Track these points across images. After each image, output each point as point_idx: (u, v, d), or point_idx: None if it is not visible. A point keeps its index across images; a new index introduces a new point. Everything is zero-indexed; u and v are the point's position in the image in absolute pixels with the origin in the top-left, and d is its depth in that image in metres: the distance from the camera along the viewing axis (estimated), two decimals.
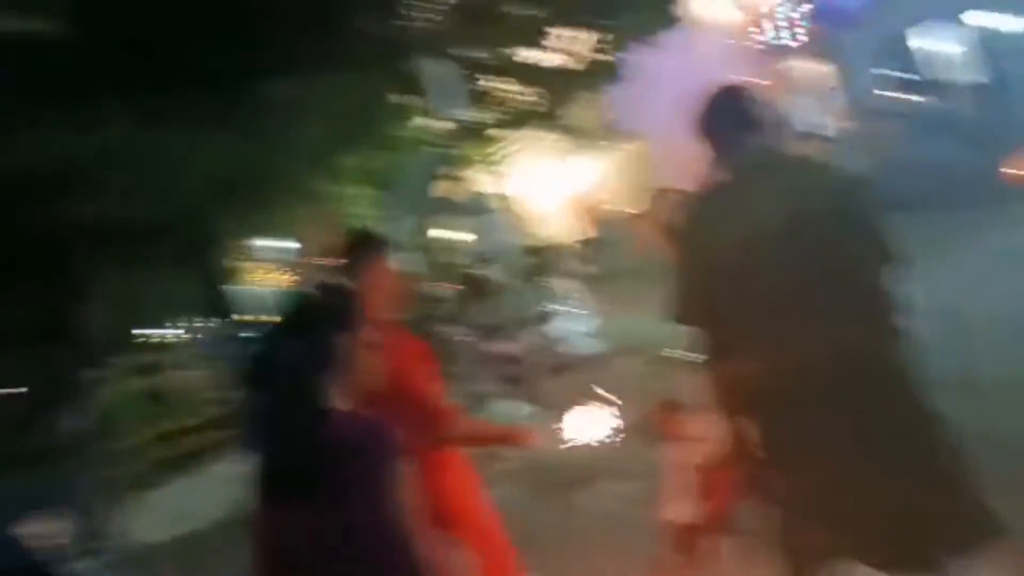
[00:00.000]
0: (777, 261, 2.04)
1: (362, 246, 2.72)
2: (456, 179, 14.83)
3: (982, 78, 13.90)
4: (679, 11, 13.46)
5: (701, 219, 2.23)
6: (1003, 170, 12.63)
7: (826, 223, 2.07)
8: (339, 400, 1.75)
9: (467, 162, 11.56)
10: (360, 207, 17.60)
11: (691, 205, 2.33)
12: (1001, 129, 13.32)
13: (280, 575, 1.73)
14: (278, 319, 1.87)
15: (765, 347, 2.05)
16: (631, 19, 11.88)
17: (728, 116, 2.27)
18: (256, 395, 1.77)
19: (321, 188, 12.94)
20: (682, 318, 2.26)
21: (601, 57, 12.50)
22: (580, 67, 12.37)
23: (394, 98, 11.90)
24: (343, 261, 2.65)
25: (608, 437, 4.20)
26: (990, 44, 13.60)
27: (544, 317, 9.51)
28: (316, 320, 1.80)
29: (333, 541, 1.65)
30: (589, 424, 3.55)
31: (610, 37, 12.46)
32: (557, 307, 9.78)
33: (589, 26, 12.36)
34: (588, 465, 5.74)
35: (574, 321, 9.73)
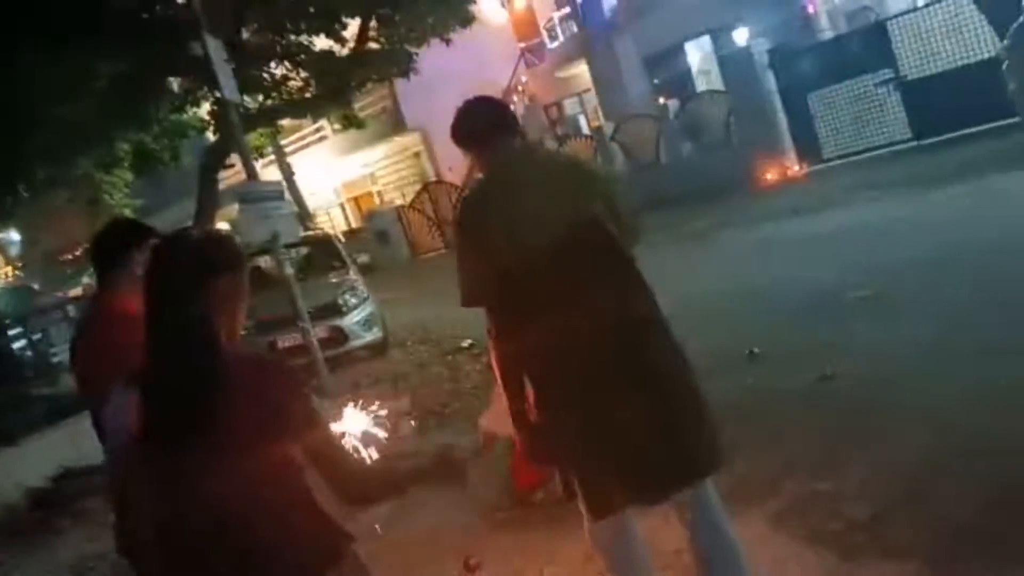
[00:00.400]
0: (548, 245, 2.29)
1: (127, 236, 2.50)
2: (236, 166, 14.27)
3: (735, 90, 15.25)
4: (471, 12, 13.68)
5: (476, 211, 2.44)
6: (753, 174, 14.07)
7: (585, 209, 2.37)
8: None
9: (249, 150, 11.13)
10: (125, 195, 16.48)
11: (466, 199, 2.55)
12: (748, 136, 14.74)
13: (169, 531, 1.65)
14: (156, 264, 1.77)
15: (545, 319, 2.30)
16: (427, 15, 11.95)
17: (486, 122, 2.51)
18: (149, 340, 1.69)
19: (87, 174, 12.01)
20: (468, 301, 2.41)
21: (388, 49, 12.49)
22: (367, 59, 12.27)
23: (173, 81, 11.29)
24: (105, 252, 2.49)
25: (391, 424, 4.27)
26: (741, 60, 14.95)
27: (328, 309, 9.39)
28: (199, 261, 1.74)
29: (234, 487, 1.62)
30: (372, 414, 3.66)
31: (400, 31, 12.46)
32: (340, 299, 9.69)
33: (380, 18, 12.30)
34: (375, 450, 5.83)
35: (357, 312, 9.70)
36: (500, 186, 2.42)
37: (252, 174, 8.15)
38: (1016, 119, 10.59)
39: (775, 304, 6.69)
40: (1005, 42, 10.16)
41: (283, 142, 24.56)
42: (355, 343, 9.48)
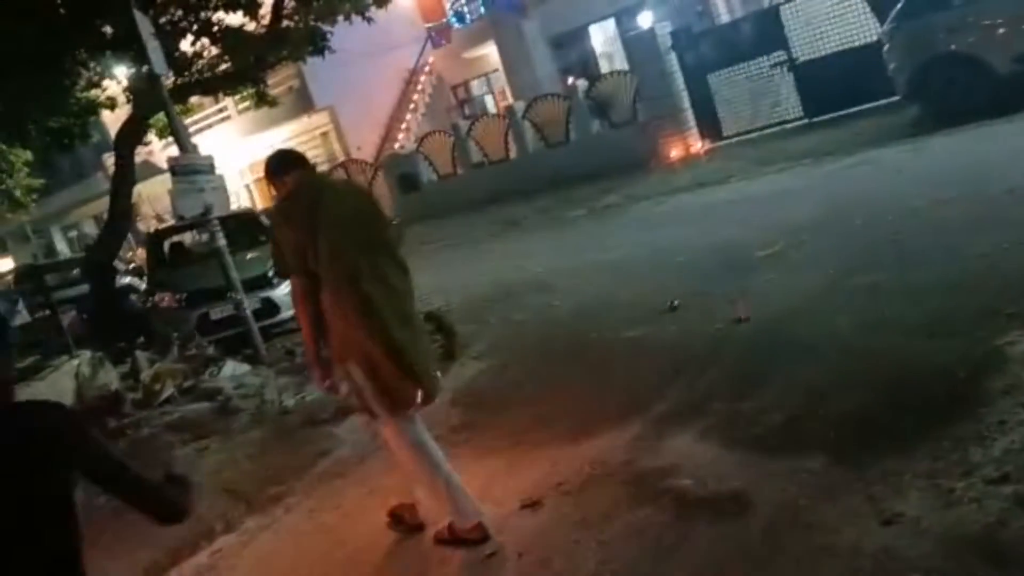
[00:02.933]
0: (341, 226, 3.41)
1: None
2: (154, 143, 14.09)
3: (640, 70, 15.88)
4: None
5: (286, 210, 3.56)
6: (659, 150, 14.79)
7: (365, 207, 3.63)
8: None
9: (165, 127, 11.06)
10: (27, 174, 16.01)
11: (277, 205, 3.69)
12: (653, 115, 15.41)
13: None
14: None
15: (345, 276, 3.37)
16: None
17: (286, 162, 3.70)
18: None
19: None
20: (283, 271, 3.69)
21: (304, 27, 12.55)
22: (282, 36, 12.31)
23: (86, 57, 11.09)
24: None
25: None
26: (646, 41, 15.55)
27: (258, 281, 9.52)
28: None
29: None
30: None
31: (315, 8, 12.53)
32: (270, 271, 9.82)
33: None
34: (329, 406, 6.14)
35: (286, 284, 9.84)
36: (302, 193, 3.54)
37: (183, 147, 8.24)
38: (895, 98, 11.56)
39: (691, 264, 7.30)
40: (885, 27, 11.07)
41: (186, 121, 24.05)
42: (286, 314, 9.65)
